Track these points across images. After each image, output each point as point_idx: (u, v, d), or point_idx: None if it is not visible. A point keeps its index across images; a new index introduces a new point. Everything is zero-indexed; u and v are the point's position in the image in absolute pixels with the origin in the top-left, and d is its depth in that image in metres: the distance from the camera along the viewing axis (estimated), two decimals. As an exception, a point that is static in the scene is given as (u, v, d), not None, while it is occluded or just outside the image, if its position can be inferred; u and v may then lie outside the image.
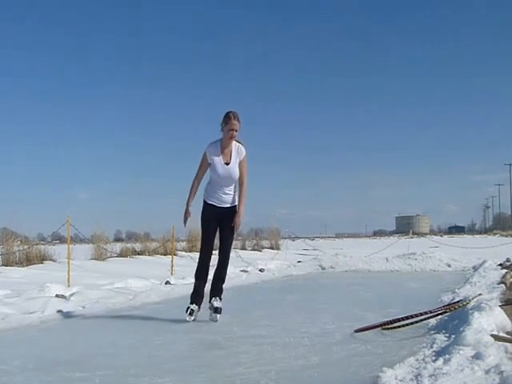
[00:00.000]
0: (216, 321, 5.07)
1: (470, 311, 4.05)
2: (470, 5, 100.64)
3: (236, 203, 5.18)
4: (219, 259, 5.22)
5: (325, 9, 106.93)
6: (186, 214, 5.25)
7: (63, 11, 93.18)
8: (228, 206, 5.17)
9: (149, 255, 16.78)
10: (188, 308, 5.12)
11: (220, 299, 5.23)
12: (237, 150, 5.13)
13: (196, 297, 5.19)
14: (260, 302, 6.83)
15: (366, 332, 4.29)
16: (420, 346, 3.65)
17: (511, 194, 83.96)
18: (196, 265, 5.29)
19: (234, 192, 5.19)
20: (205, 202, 5.23)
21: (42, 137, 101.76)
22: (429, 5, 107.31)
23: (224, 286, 5.30)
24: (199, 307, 5.20)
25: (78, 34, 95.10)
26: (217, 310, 5.11)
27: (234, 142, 5.11)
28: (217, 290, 5.23)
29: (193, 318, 5.11)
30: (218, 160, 5.07)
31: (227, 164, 5.07)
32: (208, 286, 5.30)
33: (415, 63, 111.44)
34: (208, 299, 5.22)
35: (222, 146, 5.09)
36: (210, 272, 5.30)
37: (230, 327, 4.75)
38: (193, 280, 9.19)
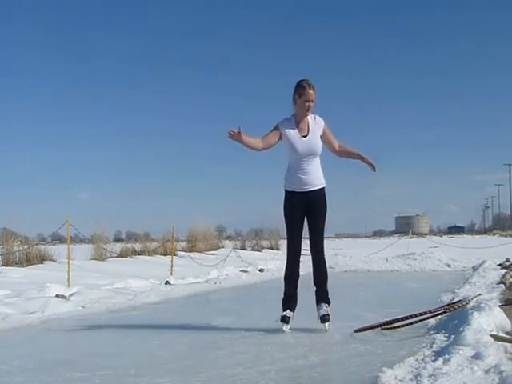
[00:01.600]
0: (326, 330, 4.38)
1: (470, 311, 4.05)
2: (469, 5, 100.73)
3: (323, 185, 4.48)
4: (313, 256, 4.49)
5: (325, 9, 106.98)
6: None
7: (63, 11, 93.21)
8: (314, 188, 4.43)
9: (149, 255, 16.78)
10: (282, 316, 4.42)
11: (328, 304, 4.48)
12: (314, 121, 4.46)
13: (289, 302, 4.48)
14: (260, 301, 6.84)
15: (366, 332, 4.29)
16: (419, 345, 3.65)
17: (511, 194, 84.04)
18: (285, 266, 4.57)
19: (318, 171, 4.48)
20: (286, 192, 4.50)
21: (42, 137, 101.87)
22: (428, 5, 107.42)
23: (327, 285, 4.54)
24: (293, 313, 4.50)
25: (77, 33, 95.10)
26: (324, 318, 4.41)
27: (309, 114, 4.46)
28: (322, 294, 4.51)
29: (289, 326, 4.42)
30: (294, 133, 4.40)
31: (305, 137, 4.40)
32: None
33: (415, 63, 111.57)
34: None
35: (297, 121, 4.44)
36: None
37: (230, 327, 4.75)
38: (193, 280, 9.13)
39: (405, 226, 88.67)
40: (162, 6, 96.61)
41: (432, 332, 4.13)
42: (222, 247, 21.09)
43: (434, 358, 3.18)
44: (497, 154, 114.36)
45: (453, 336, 3.65)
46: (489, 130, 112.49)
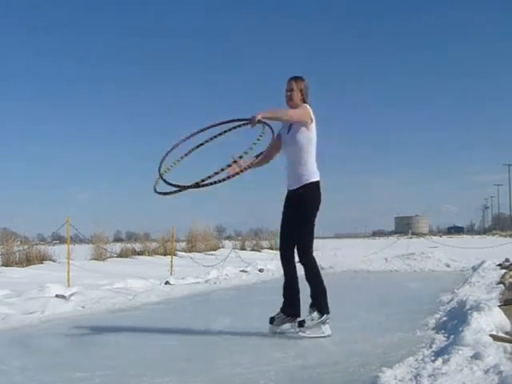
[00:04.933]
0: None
1: (469, 311, 4.06)
2: (470, 5, 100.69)
3: (303, 183, 4.20)
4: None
5: (326, 9, 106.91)
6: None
7: (74, 11, 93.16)
8: (293, 188, 4.29)
9: (148, 255, 16.80)
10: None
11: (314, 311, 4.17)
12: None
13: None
14: (260, 301, 6.84)
15: (365, 332, 4.31)
16: (419, 346, 3.66)
17: (510, 194, 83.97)
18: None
19: (302, 170, 4.21)
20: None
21: (42, 137, 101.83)
22: (427, 6, 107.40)
23: (315, 293, 4.24)
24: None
25: (79, 33, 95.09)
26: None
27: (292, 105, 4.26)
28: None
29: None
30: (283, 129, 4.33)
31: (288, 131, 4.28)
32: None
33: (415, 63, 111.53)
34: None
35: None
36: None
37: (230, 327, 4.75)
38: (193, 280, 9.14)
39: (404, 226, 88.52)
40: (162, 6, 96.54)
41: (432, 332, 4.14)
42: (222, 247, 21.09)
43: (433, 358, 3.18)
44: (497, 153, 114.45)
45: (452, 336, 3.65)
46: (489, 130, 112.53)
